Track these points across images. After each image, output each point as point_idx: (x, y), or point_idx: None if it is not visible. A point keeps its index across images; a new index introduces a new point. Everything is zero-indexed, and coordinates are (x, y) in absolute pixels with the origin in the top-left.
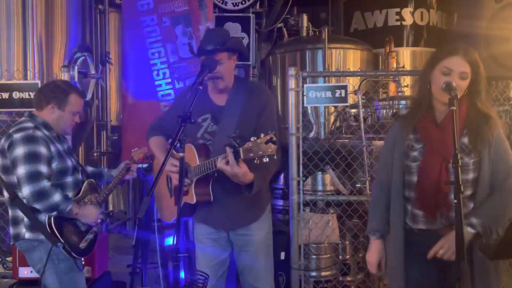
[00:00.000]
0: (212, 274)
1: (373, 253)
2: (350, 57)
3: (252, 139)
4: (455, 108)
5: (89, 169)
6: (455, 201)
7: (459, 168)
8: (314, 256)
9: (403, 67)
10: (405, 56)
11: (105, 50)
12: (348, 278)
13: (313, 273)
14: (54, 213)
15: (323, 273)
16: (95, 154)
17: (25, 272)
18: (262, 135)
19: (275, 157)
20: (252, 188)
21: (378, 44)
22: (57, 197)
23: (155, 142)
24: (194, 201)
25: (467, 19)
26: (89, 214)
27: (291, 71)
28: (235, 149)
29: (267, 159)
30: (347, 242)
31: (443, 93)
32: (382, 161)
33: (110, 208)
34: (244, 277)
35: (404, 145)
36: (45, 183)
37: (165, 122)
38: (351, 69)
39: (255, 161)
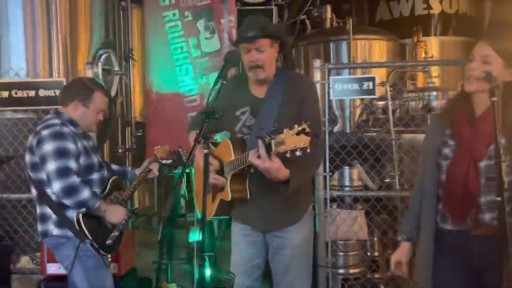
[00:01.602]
0: (246, 275)
1: (400, 254)
2: (376, 48)
3: (285, 131)
4: (496, 98)
5: (114, 167)
6: (498, 198)
7: (495, 166)
8: (341, 253)
9: (432, 57)
10: (433, 46)
11: (128, 47)
12: (377, 275)
13: (341, 271)
14: (82, 209)
15: (351, 271)
16: (120, 151)
17: (53, 269)
18: (295, 126)
19: (308, 150)
20: (289, 186)
21: (404, 34)
22: (86, 193)
23: (194, 136)
24: (229, 198)
25: (502, 5)
26: (116, 212)
27: (317, 63)
28: (266, 142)
29: (300, 153)
30: (375, 239)
31: (467, 81)
32: (422, 155)
33: (136, 204)
34: (277, 282)
35: (439, 141)
36: (75, 179)
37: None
38: (377, 61)
39: (287, 155)
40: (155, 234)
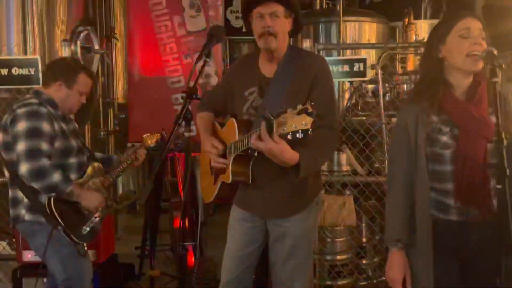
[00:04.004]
0: (239, 262)
1: (396, 268)
2: (366, 31)
3: (288, 110)
4: (498, 80)
5: (98, 155)
6: (498, 186)
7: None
8: (329, 239)
9: (423, 39)
10: (423, 29)
11: (110, 25)
12: (365, 261)
13: (328, 257)
14: (54, 194)
15: (338, 257)
16: (102, 134)
17: (29, 256)
18: (298, 106)
19: (310, 133)
20: (299, 171)
21: (395, 17)
22: (56, 176)
23: (201, 118)
24: (230, 180)
25: None
26: (92, 199)
27: (306, 43)
28: (268, 121)
29: (302, 135)
30: (363, 225)
31: (469, 60)
32: (395, 152)
33: (120, 188)
34: (276, 273)
35: (426, 129)
36: (45, 161)
37: (214, 98)
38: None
39: (289, 136)
40: (139, 219)
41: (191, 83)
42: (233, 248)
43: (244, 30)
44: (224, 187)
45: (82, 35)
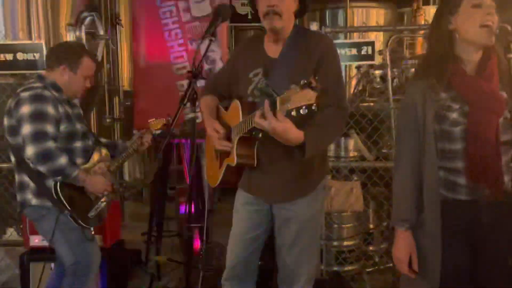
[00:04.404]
0: (243, 247)
1: (402, 248)
2: (373, 17)
3: (291, 86)
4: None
5: (103, 140)
6: None
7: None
8: (336, 225)
9: None
10: (432, 15)
11: (114, 11)
12: (371, 248)
13: (335, 243)
14: (60, 177)
15: (345, 243)
16: (107, 121)
17: (36, 241)
18: (303, 80)
19: (314, 108)
20: (305, 150)
21: (402, 3)
22: (62, 160)
23: (205, 102)
24: (235, 162)
25: None
26: (97, 183)
27: (313, 26)
28: (271, 98)
29: (306, 110)
30: (371, 210)
31: (483, 31)
32: (403, 131)
33: (126, 176)
34: (281, 259)
35: (435, 106)
36: (50, 144)
37: (219, 81)
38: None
39: (293, 113)
40: (146, 206)
41: (196, 63)
42: (238, 232)
43: (249, 17)
44: (230, 171)
45: (86, 20)
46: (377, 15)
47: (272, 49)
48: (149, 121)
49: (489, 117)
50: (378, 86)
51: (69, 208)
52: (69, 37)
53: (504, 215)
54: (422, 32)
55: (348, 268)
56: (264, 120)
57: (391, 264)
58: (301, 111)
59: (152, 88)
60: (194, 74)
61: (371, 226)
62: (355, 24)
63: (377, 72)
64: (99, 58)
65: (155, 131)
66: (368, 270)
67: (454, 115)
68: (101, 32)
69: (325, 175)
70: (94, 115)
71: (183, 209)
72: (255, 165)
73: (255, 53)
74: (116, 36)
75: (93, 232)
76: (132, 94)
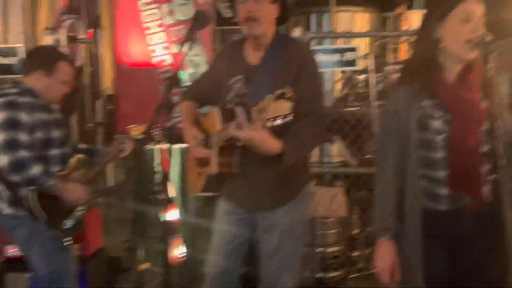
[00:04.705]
0: (225, 256)
1: (385, 258)
2: (358, 21)
3: (266, 97)
4: (491, 66)
5: (82, 146)
6: (494, 176)
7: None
8: (320, 231)
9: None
10: (415, 20)
11: (96, 13)
12: (356, 253)
13: (319, 249)
14: (34, 187)
15: (329, 249)
16: (89, 125)
17: (12, 251)
18: (277, 91)
19: (289, 119)
20: (283, 159)
21: (387, 7)
22: (36, 169)
23: (184, 108)
24: (215, 171)
25: None
26: (74, 192)
27: (296, 32)
28: (248, 109)
29: (282, 121)
30: (355, 216)
31: (466, 47)
32: (384, 137)
33: (112, 180)
34: (263, 267)
35: (417, 114)
36: (23, 153)
37: (199, 87)
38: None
39: (268, 123)
40: (129, 211)
41: (174, 71)
42: (219, 241)
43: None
44: (211, 180)
45: (66, 23)
46: (362, 20)
47: (253, 56)
48: (129, 127)
49: (471, 126)
50: (362, 91)
51: (45, 218)
52: (47, 40)
53: (484, 224)
54: (404, 38)
55: (332, 274)
56: (240, 130)
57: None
58: (277, 122)
59: (134, 92)
60: (171, 82)
61: (355, 231)
62: (341, 29)
63: (361, 77)
64: (80, 62)
65: (136, 137)
66: (352, 276)
67: (436, 123)
68: (82, 35)
69: (307, 182)
70: (76, 119)
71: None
72: (237, 173)
73: (236, 60)
74: (97, 39)
75: (70, 242)
76: (115, 97)
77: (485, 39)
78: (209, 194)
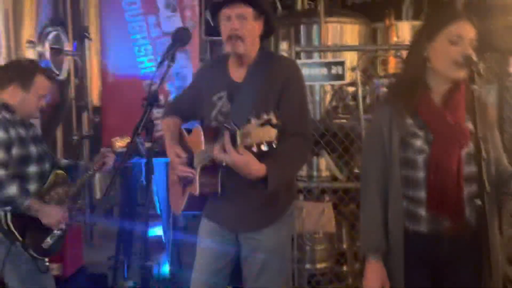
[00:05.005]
0: (209, 277)
1: (374, 279)
2: (348, 32)
3: (252, 121)
4: (477, 87)
5: (63, 161)
6: (478, 202)
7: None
8: (308, 247)
9: (404, 41)
10: (405, 31)
11: (83, 24)
12: (345, 268)
13: (308, 266)
14: (9, 208)
15: (318, 265)
16: (74, 138)
17: None
18: (264, 116)
19: (274, 146)
20: (268, 183)
21: (376, 18)
22: (12, 189)
23: (166, 124)
24: (197, 192)
25: None
26: (51, 214)
27: (283, 45)
28: (232, 132)
29: (267, 147)
30: (343, 230)
31: (454, 67)
32: (368, 156)
33: (98, 194)
34: (249, 286)
35: (401, 132)
36: (0, 172)
37: (182, 102)
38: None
39: (253, 149)
40: (116, 224)
41: (153, 88)
42: (203, 262)
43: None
44: (194, 199)
45: (51, 35)
46: (352, 31)
47: (237, 73)
48: (112, 139)
49: (452, 148)
50: (350, 103)
51: (20, 239)
52: (29, 54)
53: (465, 249)
54: (392, 52)
55: None
56: (224, 153)
57: None
58: (262, 147)
59: (121, 104)
60: (150, 101)
61: (344, 246)
62: (330, 40)
63: (350, 89)
64: (65, 74)
65: (118, 150)
66: None
67: (418, 143)
68: (67, 47)
69: (292, 201)
70: (61, 132)
71: (150, 230)
72: (219, 194)
73: (219, 76)
74: (84, 50)
75: (47, 263)
76: (101, 110)
77: (472, 59)
78: (192, 212)
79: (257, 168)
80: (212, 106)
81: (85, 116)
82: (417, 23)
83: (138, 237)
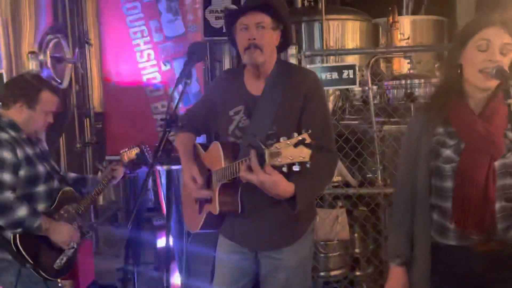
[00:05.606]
0: None
1: (395, 285)
2: (349, 29)
3: (282, 140)
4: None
5: (71, 175)
6: None
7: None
8: (322, 255)
9: (408, 38)
10: (405, 26)
11: (83, 30)
12: (357, 273)
13: (322, 273)
14: (20, 230)
15: (332, 273)
16: (77, 145)
17: None
18: (295, 135)
19: (308, 166)
20: (295, 203)
21: (375, 12)
22: (22, 211)
23: (181, 140)
24: (217, 211)
25: None
26: (63, 232)
27: (292, 50)
28: (259, 150)
29: (298, 168)
30: (355, 235)
31: (481, 77)
32: (403, 163)
33: (101, 199)
34: None
35: (431, 141)
36: (8, 195)
37: (194, 116)
38: (350, 43)
39: (284, 169)
40: (121, 230)
41: (171, 109)
42: (222, 282)
43: (224, 30)
44: (212, 217)
45: (51, 44)
46: (353, 28)
47: (254, 85)
48: (121, 152)
49: (481, 159)
50: (356, 103)
51: (31, 262)
52: (31, 65)
53: (501, 268)
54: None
55: None
56: (251, 174)
57: None
58: (294, 168)
59: (124, 111)
60: (169, 122)
61: (357, 250)
62: (332, 38)
63: (356, 90)
64: (66, 83)
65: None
66: None
67: (447, 152)
68: (68, 55)
69: (313, 218)
70: (63, 140)
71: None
72: (239, 213)
73: (235, 89)
74: (85, 56)
75: (60, 284)
76: (104, 116)
77: (503, 70)
78: (209, 230)
79: (286, 188)
80: (229, 120)
81: (87, 123)
82: (417, 17)
83: (147, 247)
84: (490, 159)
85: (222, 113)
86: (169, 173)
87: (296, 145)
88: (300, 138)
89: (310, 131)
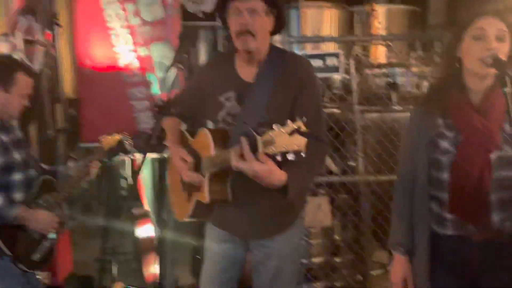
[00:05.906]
0: (222, 284)
1: (397, 272)
2: (327, 17)
3: (275, 127)
4: (509, 89)
5: (45, 167)
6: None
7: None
8: (303, 242)
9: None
10: (380, 15)
11: (52, 10)
12: (337, 259)
13: (304, 260)
14: None
15: (314, 260)
16: (49, 132)
17: None
18: (288, 123)
19: (303, 155)
20: (287, 193)
21: (353, 1)
22: None
23: (167, 124)
24: (207, 199)
25: None
26: (41, 219)
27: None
28: (252, 138)
29: (293, 157)
30: (337, 222)
31: (481, 64)
32: (404, 154)
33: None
34: None
35: (430, 133)
36: None
37: (183, 101)
38: (327, 32)
39: (278, 157)
40: (96, 219)
41: (163, 96)
42: (212, 270)
43: (201, 15)
44: (201, 206)
45: (23, 25)
46: (331, 15)
47: (246, 71)
48: (100, 138)
49: (477, 151)
50: (337, 92)
51: (9, 253)
52: (3, 48)
53: (499, 256)
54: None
55: (317, 284)
56: (244, 162)
57: (361, 278)
58: (288, 157)
59: (99, 97)
60: (162, 109)
61: (337, 237)
62: (309, 26)
63: (336, 77)
64: (39, 65)
65: (104, 158)
66: (337, 285)
67: (445, 143)
68: (39, 38)
69: (304, 205)
70: (34, 128)
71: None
72: (230, 201)
73: (226, 74)
74: (55, 37)
75: (38, 276)
76: (78, 102)
77: (500, 59)
78: (198, 219)
79: (279, 177)
80: (219, 107)
81: (58, 108)
82: (393, 7)
83: (125, 237)
84: (486, 152)
85: (211, 98)
86: (162, 161)
87: (291, 133)
88: (295, 126)
89: (305, 119)
